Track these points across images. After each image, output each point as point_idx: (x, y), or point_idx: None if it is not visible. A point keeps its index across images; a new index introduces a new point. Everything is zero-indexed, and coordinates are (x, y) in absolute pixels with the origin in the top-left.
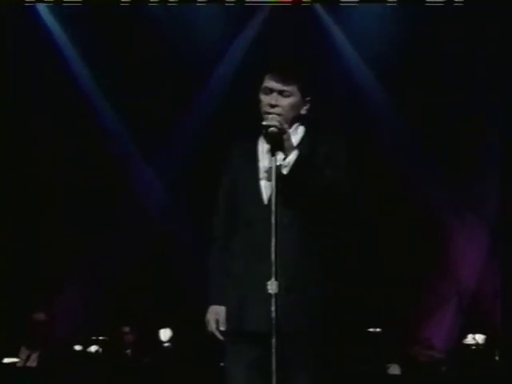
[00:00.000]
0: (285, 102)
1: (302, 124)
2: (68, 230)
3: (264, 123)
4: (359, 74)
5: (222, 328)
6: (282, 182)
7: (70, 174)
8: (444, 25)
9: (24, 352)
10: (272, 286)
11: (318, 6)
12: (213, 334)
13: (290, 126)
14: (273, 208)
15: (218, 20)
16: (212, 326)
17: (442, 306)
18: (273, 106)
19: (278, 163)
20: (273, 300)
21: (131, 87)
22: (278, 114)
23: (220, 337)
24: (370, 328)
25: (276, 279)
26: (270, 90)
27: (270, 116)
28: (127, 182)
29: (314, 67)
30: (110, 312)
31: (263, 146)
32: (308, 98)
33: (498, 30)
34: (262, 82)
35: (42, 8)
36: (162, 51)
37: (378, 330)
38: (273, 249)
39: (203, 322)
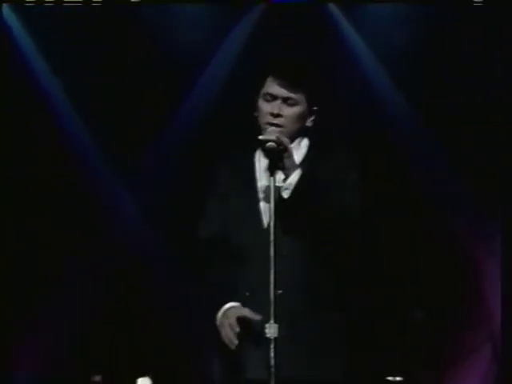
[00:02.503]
0: (289, 111)
1: (305, 137)
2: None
3: (261, 137)
4: (373, 78)
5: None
6: (282, 206)
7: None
8: (464, 25)
9: None
10: (270, 330)
11: (329, 5)
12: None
13: (293, 139)
14: (271, 237)
15: (205, 20)
16: (234, 330)
17: (474, 353)
18: (275, 116)
19: (277, 184)
20: (272, 346)
21: (107, 94)
22: (281, 126)
23: (235, 342)
24: (388, 376)
25: (275, 321)
26: (273, 97)
27: (269, 129)
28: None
29: (322, 70)
30: (77, 357)
31: (261, 163)
32: (315, 108)
33: None
34: (261, 86)
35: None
36: (138, 56)
37: (398, 378)
38: (272, 286)
39: (188, 370)
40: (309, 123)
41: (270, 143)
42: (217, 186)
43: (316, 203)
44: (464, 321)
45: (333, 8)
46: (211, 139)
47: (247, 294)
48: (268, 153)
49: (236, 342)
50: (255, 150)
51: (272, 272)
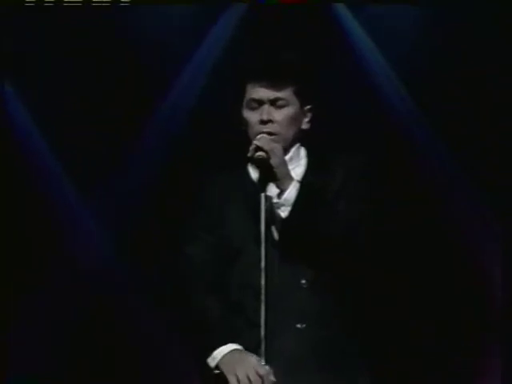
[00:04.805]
0: (281, 114)
1: (302, 142)
2: None
3: (249, 155)
4: (378, 77)
5: None
6: (281, 229)
7: None
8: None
9: None
10: None
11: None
12: None
13: (290, 147)
14: (262, 264)
15: (187, 21)
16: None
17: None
18: (265, 123)
19: (273, 200)
20: None
21: (66, 103)
22: (274, 133)
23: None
24: None
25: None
26: (259, 102)
27: (259, 136)
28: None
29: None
30: None
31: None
32: (309, 107)
33: None
34: (242, 94)
35: None
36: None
37: None
38: (262, 320)
39: None
40: (304, 125)
41: (259, 153)
42: (206, 204)
43: (320, 221)
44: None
45: (332, 7)
46: (189, 152)
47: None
48: (256, 163)
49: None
50: (246, 162)
51: (263, 306)
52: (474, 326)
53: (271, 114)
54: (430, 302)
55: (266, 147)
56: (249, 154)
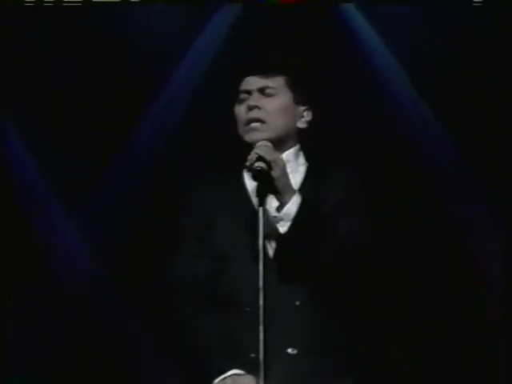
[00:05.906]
0: (269, 103)
1: (301, 147)
2: None
3: (248, 164)
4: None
5: None
6: (278, 245)
7: None
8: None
9: None
10: None
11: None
12: None
13: (284, 143)
14: (260, 284)
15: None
16: None
17: None
18: (251, 108)
19: (272, 214)
20: None
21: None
22: (261, 120)
23: None
24: None
25: None
26: (247, 92)
27: (258, 144)
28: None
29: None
30: None
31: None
32: (306, 106)
33: None
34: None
35: None
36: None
37: None
38: (261, 346)
39: None
40: (301, 124)
41: (259, 163)
42: (195, 213)
43: (321, 238)
44: None
45: (331, 7)
46: (180, 158)
47: (247, 309)
48: (257, 175)
49: None
50: (241, 170)
51: (261, 328)
52: (474, 326)
53: (259, 100)
54: (430, 302)
55: (267, 157)
56: (247, 164)
